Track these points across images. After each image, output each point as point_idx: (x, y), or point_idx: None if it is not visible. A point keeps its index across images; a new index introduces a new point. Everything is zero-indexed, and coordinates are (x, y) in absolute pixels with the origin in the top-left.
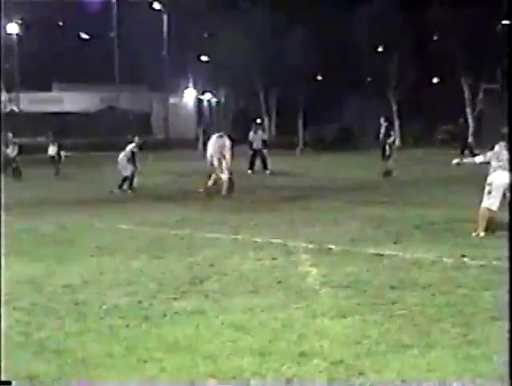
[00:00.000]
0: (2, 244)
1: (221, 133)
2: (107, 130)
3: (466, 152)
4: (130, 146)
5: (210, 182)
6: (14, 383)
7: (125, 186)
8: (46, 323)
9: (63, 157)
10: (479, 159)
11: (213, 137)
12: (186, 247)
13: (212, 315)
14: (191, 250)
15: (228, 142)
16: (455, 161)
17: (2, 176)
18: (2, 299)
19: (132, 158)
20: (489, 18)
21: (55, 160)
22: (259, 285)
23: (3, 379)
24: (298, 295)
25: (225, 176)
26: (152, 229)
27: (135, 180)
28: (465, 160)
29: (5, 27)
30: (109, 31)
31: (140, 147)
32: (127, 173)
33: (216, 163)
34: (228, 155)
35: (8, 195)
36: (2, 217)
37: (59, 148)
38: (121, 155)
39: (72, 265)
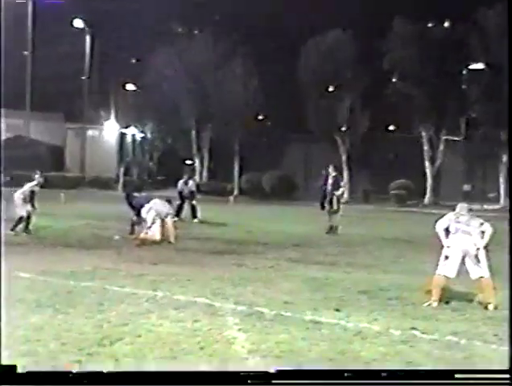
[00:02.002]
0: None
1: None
2: (12, 163)
3: None
4: (30, 184)
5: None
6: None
7: (18, 228)
8: None
9: None
10: (440, 226)
11: (156, 201)
12: (96, 302)
13: None
14: (102, 306)
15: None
16: None
17: None
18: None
19: (30, 198)
20: (454, 63)
21: None
22: (178, 350)
23: None
24: (222, 364)
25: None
26: (58, 280)
27: (32, 221)
28: None
29: None
30: (22, 49)
31: (41, 186)
32: (23, 213)
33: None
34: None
35: None
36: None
37: None
38: (18, 193)
39: None
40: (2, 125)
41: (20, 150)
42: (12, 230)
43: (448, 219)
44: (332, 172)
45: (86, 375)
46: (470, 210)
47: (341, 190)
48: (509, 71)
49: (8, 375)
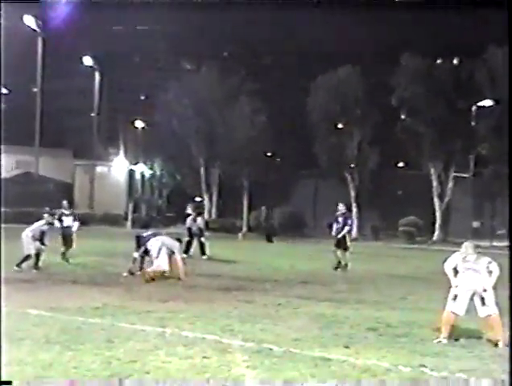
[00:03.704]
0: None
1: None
2: (21, 199)
3: None
4: (39, 223)
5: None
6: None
7: (24, 265)
8: None
9: None
10: (448, 266)
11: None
12: (105, 339)
13: None
14: (110, 343)
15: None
16: None
17: None
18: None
19: (40, 237)
20: (463, 100)
21: None
22: None
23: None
24: None
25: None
26: (67, 316)
27: (42, 258)
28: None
29: None
30: (31, 86)
31: (51, 224)
32: (30, 251)
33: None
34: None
35: None
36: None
37: None
38: (27, 231)
39: None
40: (11, 162)
41: (29, 187)
42: (17, 266)
43: (456, 258)
44: (342, 209)
45: None
46: (477, 247)
47: (348, 227)
48: (509, 80)
49: None
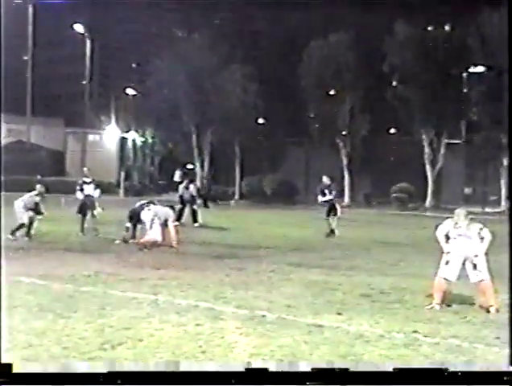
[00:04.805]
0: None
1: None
2: (13, 167)
3: None
4: (31, 194)
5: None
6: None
7: (18, 233)
8: None
9: None
10: (440, 232)
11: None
12: (98, 306)
13: None
14: (103, 310)
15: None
16: None
17: None
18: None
19: (34, 207)
20: (454, 66)
21: None
22: (180, 353)
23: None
24: (223, 368)
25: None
26: (59, 284)
27: (34, 226)
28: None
29: None
30: (22, 54)
31: (42, 195)
32: (24, 220)
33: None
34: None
35: None
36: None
37: None
38: (19, 201)
39: None
40: (3, 130)
41: (21, 155)
42: (11, 234)
43: (448, 225)
44: (326, 181)
45: (83, 376)
46: (469, 213)
47: (332, 195)
48: (509, 72)
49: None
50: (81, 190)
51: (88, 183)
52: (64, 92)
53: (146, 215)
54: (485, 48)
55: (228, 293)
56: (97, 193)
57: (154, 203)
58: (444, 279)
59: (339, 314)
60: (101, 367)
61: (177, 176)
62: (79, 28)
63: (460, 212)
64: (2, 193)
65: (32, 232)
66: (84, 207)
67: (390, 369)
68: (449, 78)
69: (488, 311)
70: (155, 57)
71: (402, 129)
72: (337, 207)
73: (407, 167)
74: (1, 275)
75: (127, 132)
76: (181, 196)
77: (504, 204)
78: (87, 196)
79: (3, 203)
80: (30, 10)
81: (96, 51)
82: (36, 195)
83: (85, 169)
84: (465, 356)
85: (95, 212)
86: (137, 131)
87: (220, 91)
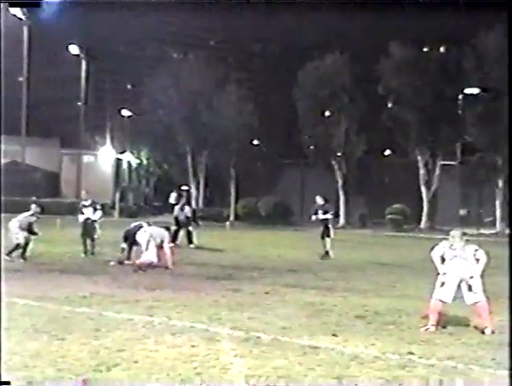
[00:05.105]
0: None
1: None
2: (8, 188)
3: None
4: (26, 214)
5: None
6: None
7: (14, 254)
8: None
9: None
10: (436, 254)
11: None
12: (93, 328)
13: None
14: (98, 332)
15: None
16: None
17: None
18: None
19: (28, 228)
20: (449, 88)
21: None
22: (175, 375)
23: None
24: None
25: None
26: (54, 306)
27: (29, 247)
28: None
29: None
30: (17, 75)
31: (38, 216)
32: (20, 241)
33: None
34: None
35: None
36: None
37: None
38: (14, 221)
39: None
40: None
41: (16, 176)
42: (7, 255)
43: (443, 246)
44: (320, 202)
45: None
46: (464, 234)
47: (329, 215)
48: (509, 93)
49: None
50: (82, 213)
51: (87, 206)
52: (60, 114)
53: (141, 237)
54: (480, 69)
55: (223, 314)
56: (96, 215)
57: (149, 224)
58: (440, 300)
59: (334, 335)
60: None
61: (172, 198)
62: (74, 50)
63: (456, 234)
64: None
65: (28, 253)
66: (84, 230)
67: None
68: (444, 99)
69: (483, 332)
70: (150, 78)
71: (397, 150)
72: (330, 227)
73: (402, 188)
74: (1, 295)
75: (122, 153)
76: (176, 217)
77: (499, 226)
78: (87, 219)
79: None
80: (26, 30)
81: (91, 72)
82: (31, 215)
83: (83, 192)
84: (461, 378)
85: (95, 236)
86: (132, 152)
87: (216, 112)
